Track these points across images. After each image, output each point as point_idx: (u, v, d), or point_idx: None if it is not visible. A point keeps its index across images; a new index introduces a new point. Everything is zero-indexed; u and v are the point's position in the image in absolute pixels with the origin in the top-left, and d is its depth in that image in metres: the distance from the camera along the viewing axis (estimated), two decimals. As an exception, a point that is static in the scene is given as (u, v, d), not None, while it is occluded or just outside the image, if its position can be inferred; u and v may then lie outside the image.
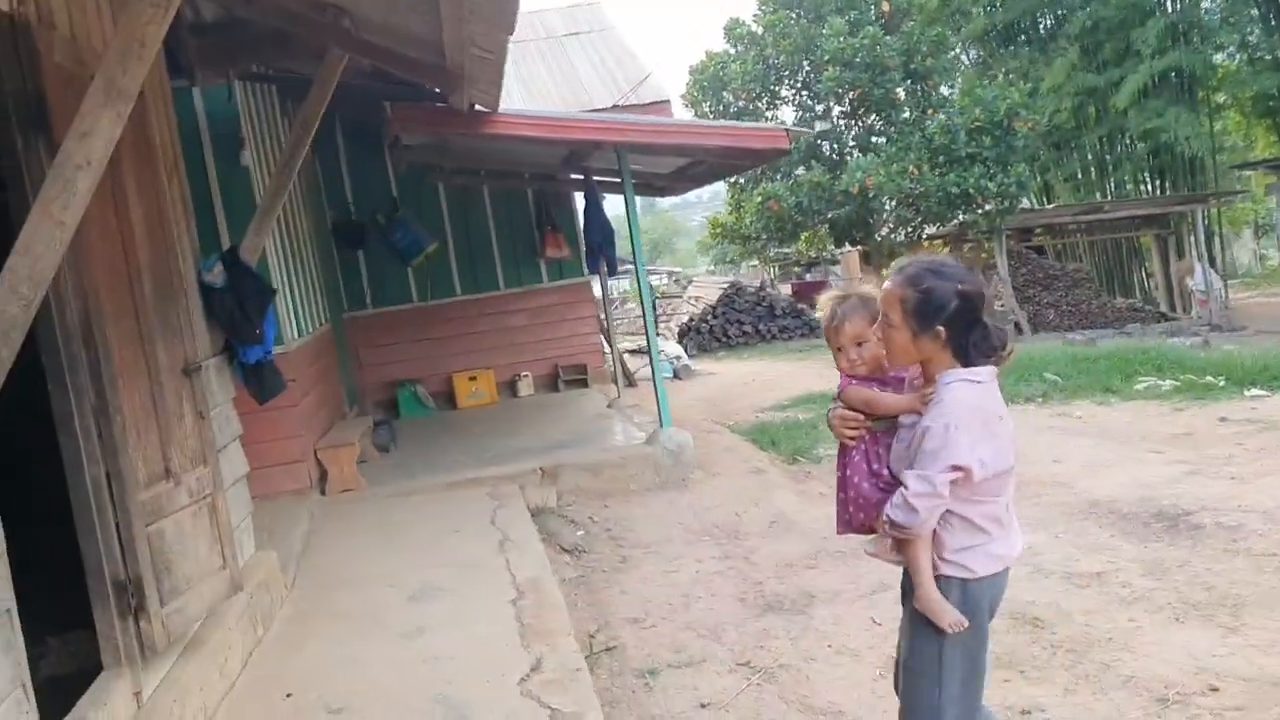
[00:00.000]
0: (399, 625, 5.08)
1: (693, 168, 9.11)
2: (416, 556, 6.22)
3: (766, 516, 7.10)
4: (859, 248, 19.61)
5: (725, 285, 19.90)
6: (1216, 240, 22.94)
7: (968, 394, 2.51)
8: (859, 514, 2.78)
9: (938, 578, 2.61)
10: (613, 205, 10.41)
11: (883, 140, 19.20)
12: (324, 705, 4.20)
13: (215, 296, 5.20)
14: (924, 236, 20.85)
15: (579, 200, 11.48)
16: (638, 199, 9.71)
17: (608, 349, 12.10)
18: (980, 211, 18.57)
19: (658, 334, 18.62)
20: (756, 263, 28.75)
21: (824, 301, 2.91)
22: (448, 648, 4.69)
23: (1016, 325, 18.85)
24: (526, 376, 11.92)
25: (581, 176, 9.89)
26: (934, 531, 2.60)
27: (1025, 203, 20.38)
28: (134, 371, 3.87)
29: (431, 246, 11.55)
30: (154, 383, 3.99)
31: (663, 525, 7.09)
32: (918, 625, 2.67)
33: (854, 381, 2.81)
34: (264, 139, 7.95)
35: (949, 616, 2.58)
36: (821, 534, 6.60)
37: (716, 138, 7.19)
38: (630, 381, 12.94)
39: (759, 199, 18.85)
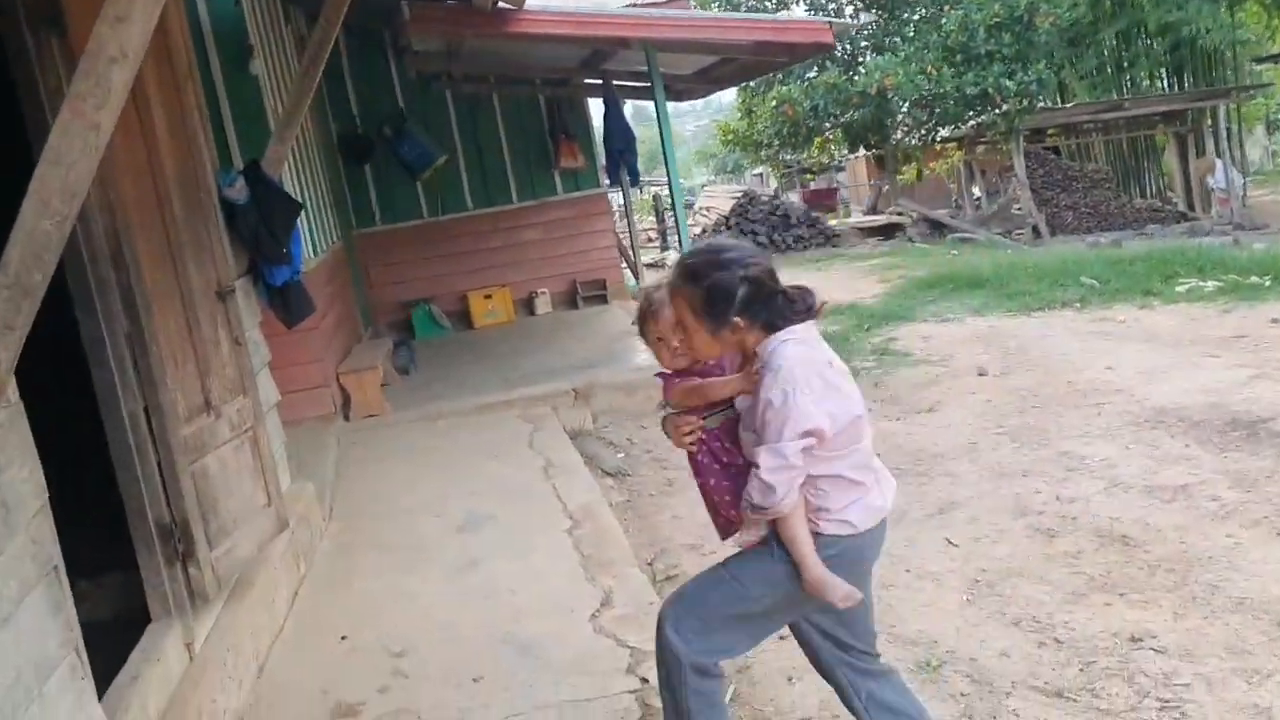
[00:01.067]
0: (450, 557, 4.82)
1: (719, 68, 8.65)
2: (457, 484, 5.95)
3: (812, 432, 6.81)
4: (872, 152, 19.04)
5: (738, 195, 19.41)
6: (1235, 137, 22.40)
7: (793, 354, 2.42)
8: (732, 515, 2.63)
9: (819, 535, 2.48)
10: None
11: (898, 39, 18.52)
12: (383, 647, 3.95)
13: (239, 213, 4.84)
14: (938, 139, 20.29)
15: (594, 107, 11.01)
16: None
17: (629, 263, 11.74)
18: (998, 112, 18.00)
19: (668, 247, 18.24)
20: (761, 171, 28.16)
21: (639, 296, 2.77)
22: (507, 581, 4.44)
23: (1035, 229, 18.46)
24: (544, 294, 11.56)
25: (599, 80, 9.41)
26: (809, 501, 2.47)
27: (1042, 102, 19.78)
28: (167, 295, 3.52)
29: (441, 159, 11.10)
30: (188, 307, 3.65)
31: (705, 444, 6.80)
32: (761, 564, 2.56)
33: (677, 381, 2.68)
34: (270, 45, 7.47)
35: (840, 590, 2.48)
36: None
37: (756, 32, 6.73)
38: (647, 295, 12.57)
39: (773, 103, 18.25)
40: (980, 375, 7.86)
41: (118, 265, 3.26)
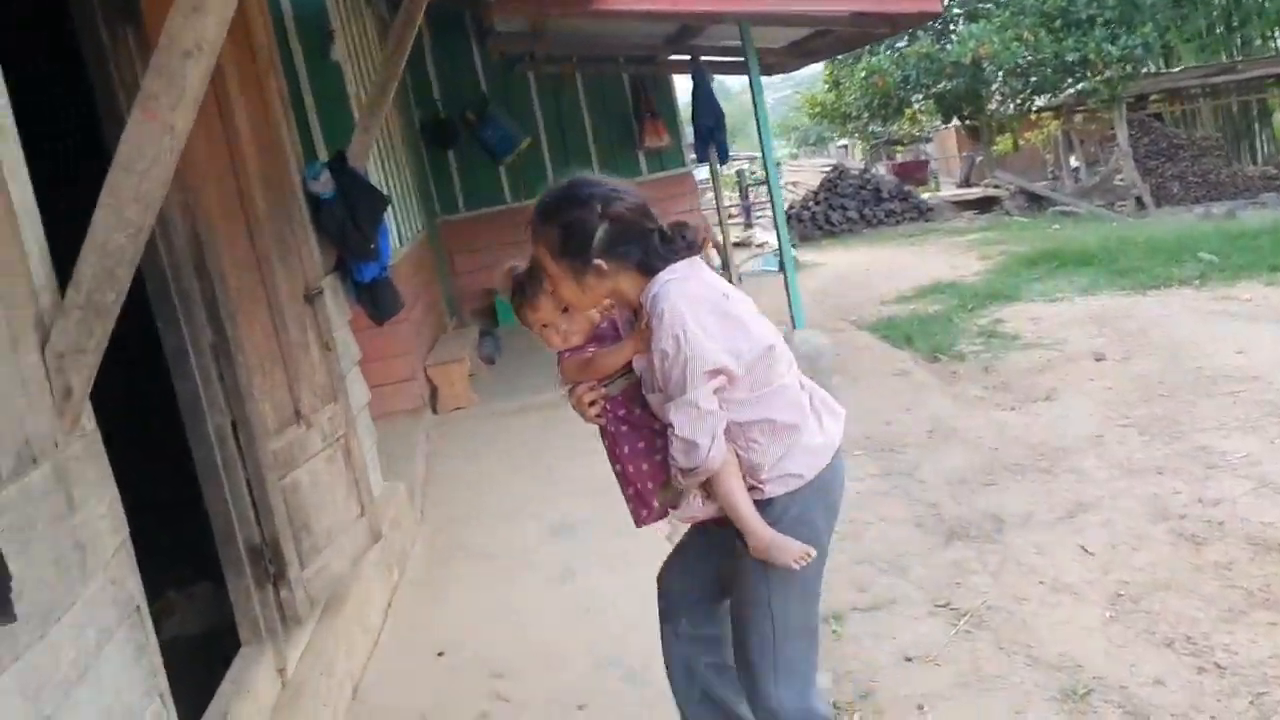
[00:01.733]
0: (546, 565, 4.60)
1: (813, 40, 8.25)
2: (547, 482, 5.74)
3: (922, 425, 6.46)
4: (965, 123, 18.36)
5: (825, 169, 18.87)
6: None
7: (677, 293, 2.17)
8: (654, 492, 2.41)
9: (764, 502, 2.26)
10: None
11: (991, 5, 17.78)
12: (483, 666, 3.75)
13: (324, 208, 4.65)
14: (1034, 109, 19.49)
15: (680, 84, 10.69)
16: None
17: (714, 244, 11.39)
18: (1099, 79, 17.18)
19: (750, 224, 17.83)
20: (846, 143, 27.47)
21: (499, 280, 2.54)
22: (607, 594, 4.20)
23: (1138, 200, 17.62)
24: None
25: (686, 57, 9.08)
26: (740, 456, 2.24)
27: (1147, 67, 18.84)
28: (253, 301, 3.33)
29: (524, 143, 10.90)
30: (275, 313, 3.46)
31: (807, 438, 6.47)
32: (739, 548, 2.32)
33: (567, 355, 2.47)
34: (351, 30, 7.30)
35: (792, 551, 2.24)
36: (990, 444, 5.97)
37: (857, 2, 6.35)
38: (732, 278, 12.25)
39: (862, 74, 17.68)
40: (1098, 360, 7.39)
41: (201, 274, 3.07)
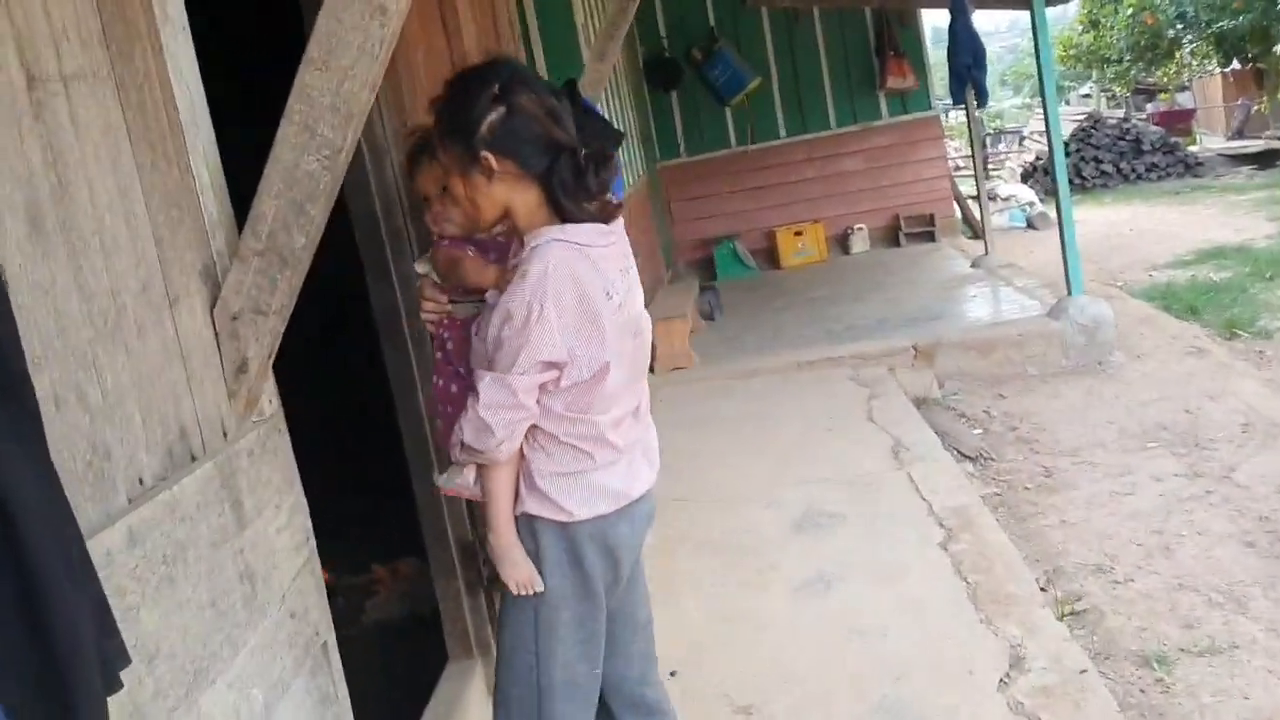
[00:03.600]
0: (793, 569, 3.93)
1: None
2: (786, 464, 5.05)
3: (1233, 416, 5.39)
4: (1250, 66, 16.25)
5: (1080, 117, 17.14)
6: None
7: (559, 258, 1.87)
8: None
9: (526, 517, 2.00)
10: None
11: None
12: (724, 697, 3.13)
13: (553, 145, 4.08)
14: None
15: (928, 18, 9.64)
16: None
17: (970, 197, 10.37)
18: None
19: (989, 176, 16.41)
20: (1088, 92, 25.17)
21: (403, 137, 2.33)
22: (872, 612, 3.49)
23: None
24: (861, 230, 10.40)
25: (943, -14, 8.07)
26: (523, 452, 1.98)
27: None
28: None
29: (753, 83, 10.14)
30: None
31: (1087, 425, 5.54)
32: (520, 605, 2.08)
33: (445, 243, 2.21)
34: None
35: (518, 572, 2.01)
36: (1327, 446, 4.88)
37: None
38: (975, 233, 11.14)
39: (1129, 11, 15.84)
40: None
41: (418, 214, 2.52)
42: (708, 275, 10.12)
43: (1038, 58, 6.32)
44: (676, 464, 5.30)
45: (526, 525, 2.00)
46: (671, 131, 10.49)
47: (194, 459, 1.50)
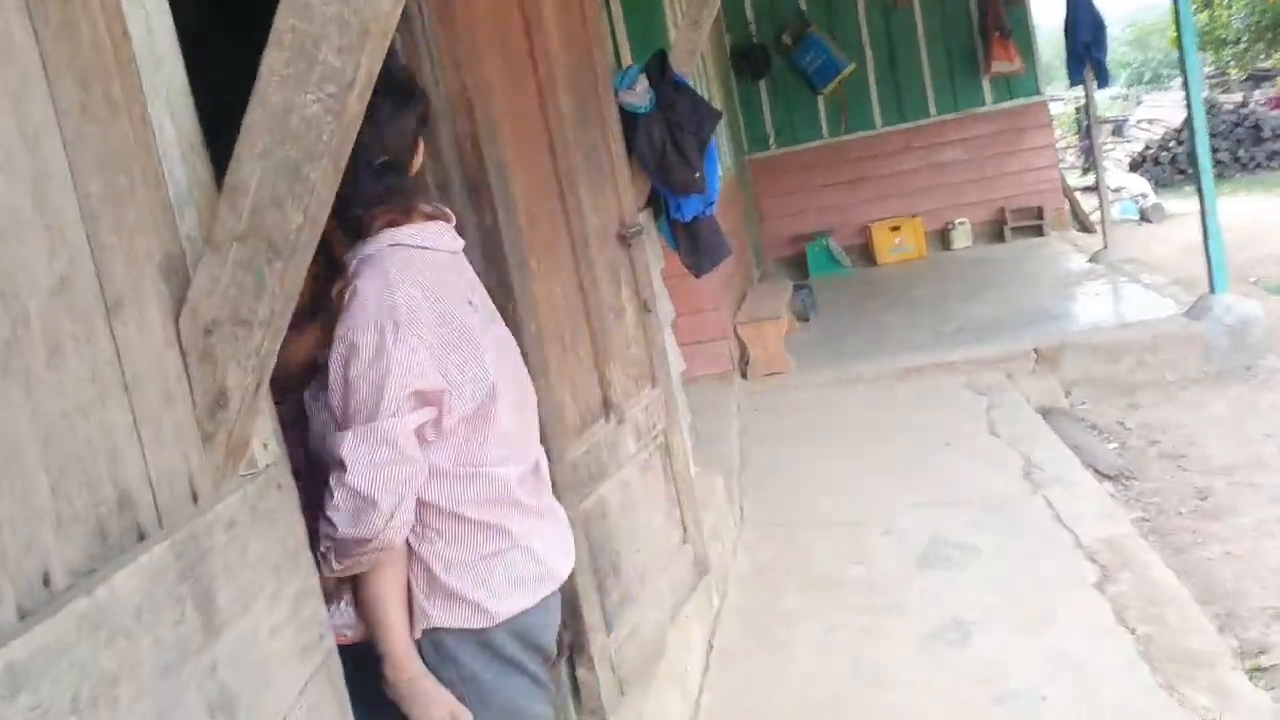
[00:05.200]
0: (920, 612, 3.38)
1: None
2: (900, 483, 4.49)
3: None
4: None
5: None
6: None
7: (401, 269, 1.47)
8: None
9: (430, 635, 1.55)
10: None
11: None
12: (851, 777, 2.60)
13: (640, 126, 3.59)
14: None
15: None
16: None
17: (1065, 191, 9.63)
18: None
19: (1090, 169, 15.49)
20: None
21: None
22: (1020, 670, 2.93)
23: None
24: (963, 224, 9.71)
25: (1060, -44, 7.39)
26: (413, 551, 1.52)
27: None
28: (551, 243, 2.30)
29: (847, 70, 9.54)
30: (581, 260, 2.41)
31: (1240, 438, 4.86)
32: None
33: None
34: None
35: (438, 710, 1.51)
36: None
37: None
38: (1084, 226, 10.37)
39: (1250, -11, 14.82)
40: None
41: (477, 194, 2.04)
42: (799, 274, 9.54)
43: (1179, 29, 5.65)
44: (775, 481, 4.79)
45: (431, 647, 1.57)
46: (760, 123, 9.95)
47: (142, 537, 1.03)
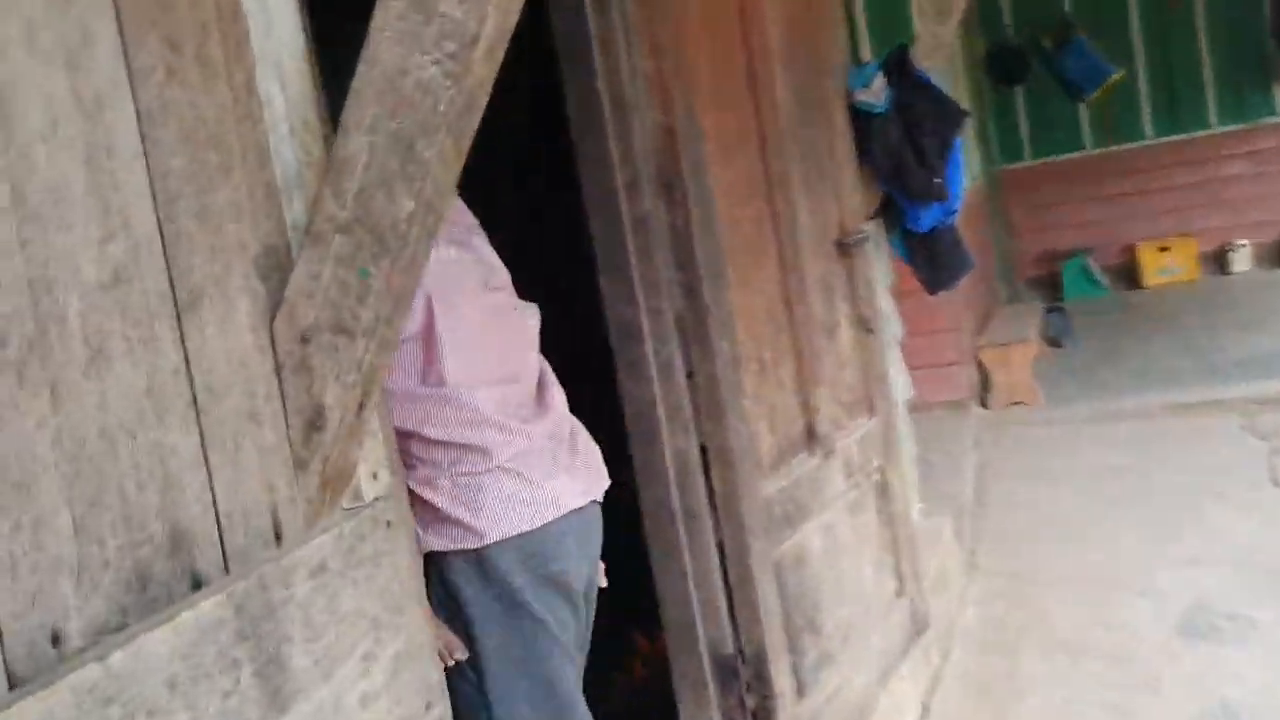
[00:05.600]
0: (1182, 691, 2.89)
1: None
2: (1162, 537, 3.94)
3: None
4: None
5: None
6: None
7: None
8: None
9: (432, 560, 1.49)
10: None
11: None
12: None
13: (874, 126, 3.29)
14: None
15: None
16: None
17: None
18: None
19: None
20: None
21: None
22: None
23: None
24: (1243, 246, 8.72)
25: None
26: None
27: None
28: (755, 248, 2.06)
29: (1115, 76, 8.76)
30: (788, 269, 2.15)
31: None
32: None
33: None
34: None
35: (439, 638, 1.44)
36: None
37: None
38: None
39: None
40: None
41: (670, 193, 1.82)
42: (1051, 295, 8.84)
43: None
44: (1013, 526, 4.33)
45: (438, 580, 1.52)
46: (1014, 131, 9.32)
47: (198, 585, 0.85)
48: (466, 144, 0.93)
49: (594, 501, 1.64)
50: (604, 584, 1.72)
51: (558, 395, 1.65)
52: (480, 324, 1.54)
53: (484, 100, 0.93)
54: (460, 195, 1.60)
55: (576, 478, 1.60)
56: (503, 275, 1.64)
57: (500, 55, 0.92)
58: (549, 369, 1.66)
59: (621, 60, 1.77)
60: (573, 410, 1.70)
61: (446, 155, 0.91)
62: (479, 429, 1.48)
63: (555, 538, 1.54)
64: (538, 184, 3.10)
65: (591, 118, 1.79)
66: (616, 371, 1.86)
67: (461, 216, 1.63)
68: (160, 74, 0.89)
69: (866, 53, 4.68)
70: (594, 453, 1.68)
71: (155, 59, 0.89)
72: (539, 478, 1.53)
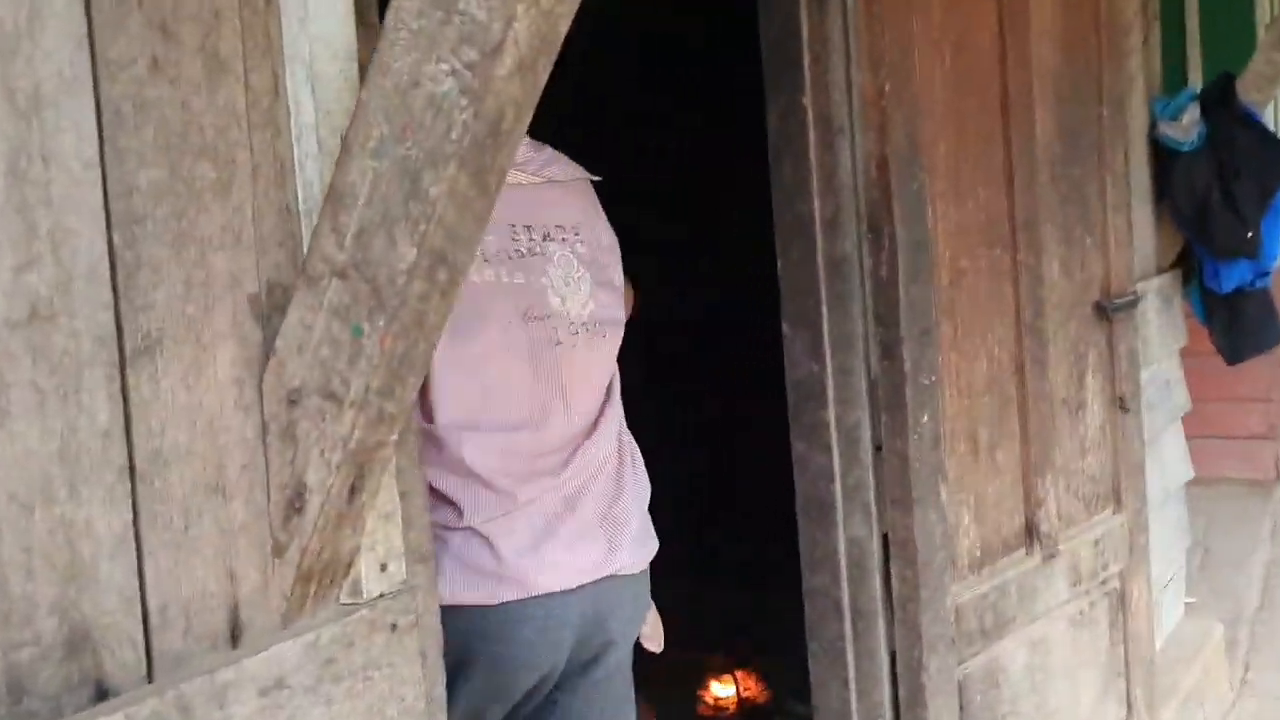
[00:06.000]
0: None
1: None
2: None
3: None
4: None
5: None
6: None
7: None
8: None
9: None
10: None
11: None
12: None
13: (1178, 166, 2.83)
14: None
15: None
16: None
17: None
18: None
19: None
20: None
21: None
22: None
23: None
24: None
25: None
26: None
27: None
28: (981, 304, 1.73)
29: None
30: (1025, 331, 1.79)
31: None
32: None
33: None
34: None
35: None
36: None
37: None
38: None
39: None
40: None
41: (876, 236, 1.53)
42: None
43: None
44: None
45: None
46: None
47: (105, 696, 0.69)
48: (492, 184, 0.72)
49: (610, 576, 1.38)
50: (656, 648, 1.47)
51: (602, 448, 1.40)
52: (499, 359, 1.32)
53: (514, 131, 0.71)
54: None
55: (580, 553, 1.35)
56: (548, 303, 1.37)
57: (540, 74, 0.69)
58: (615, 412, 1.42)
59: (835, 73, 1.50)
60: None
61: (459, 194, 0.70)
62: (458, 480, 1.29)
63: (512, 621, 1.31)
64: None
65: (792, 138, 1.53)
66: (791, 437, 1.60)
67: (544, 223, 1.39)
68: (142, 67, 0.73)
69: (1198, 79, 4.09)
70: (631, 519, 1.41)
71: (137, 48, 0.73)
72: (511, 551, 1.30)
